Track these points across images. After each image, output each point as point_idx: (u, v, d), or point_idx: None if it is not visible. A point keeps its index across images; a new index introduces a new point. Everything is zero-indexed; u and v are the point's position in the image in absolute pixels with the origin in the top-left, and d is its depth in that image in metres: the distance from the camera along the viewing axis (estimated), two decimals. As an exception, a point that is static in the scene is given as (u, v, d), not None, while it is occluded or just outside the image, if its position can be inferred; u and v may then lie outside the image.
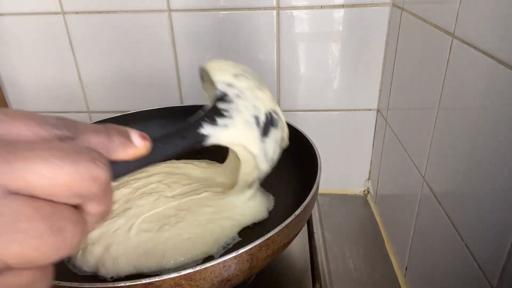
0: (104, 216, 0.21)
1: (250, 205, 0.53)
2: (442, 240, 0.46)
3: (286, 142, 0.46)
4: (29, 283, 0.19)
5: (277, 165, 0.60)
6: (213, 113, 0.37)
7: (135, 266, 0.45)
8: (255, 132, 0.41)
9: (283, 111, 0.76)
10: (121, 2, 0.70)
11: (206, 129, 0.35)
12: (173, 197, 0.53)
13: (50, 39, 0.74)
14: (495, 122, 0.35)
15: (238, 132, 0.39)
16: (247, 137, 0.40)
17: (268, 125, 0.42)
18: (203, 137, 0.35)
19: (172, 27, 0.71)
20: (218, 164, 0.65)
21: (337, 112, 0.76)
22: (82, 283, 0.33)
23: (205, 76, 0.46)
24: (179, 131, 0.32)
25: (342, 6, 0.67)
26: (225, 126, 0.38)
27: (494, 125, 0.35)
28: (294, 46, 0.71)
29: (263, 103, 0.42)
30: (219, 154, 0.67)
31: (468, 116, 0.40)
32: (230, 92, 0.40)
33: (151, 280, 0.33)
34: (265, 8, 0.68)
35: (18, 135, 0.19)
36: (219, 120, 0.37)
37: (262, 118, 0.41)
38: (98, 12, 0.71)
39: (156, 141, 0.27)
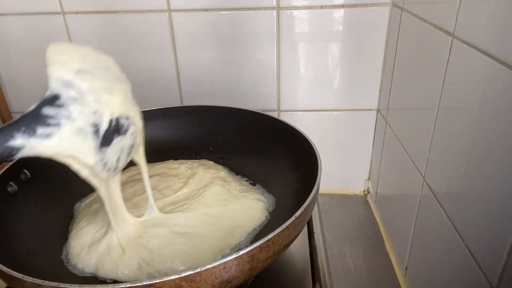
0: None
1: (249, 213, 0.53)
2: (442, 240, 0.46)
3: (139, 146, 0.41)
4: None
5: (277, 165, 0.61)
6: (34, 120, 0.31)
7: (132, 276, 0.44)
8: (90, 142, 0.35)
9: (283, 111, 0.77)
10: (121, 2, 0.70)
11: (18, 140, 0.30)
12: (171, 204, 0.53)
13: (50, 39, 0.74)
14: (495, 122, 0.35)
15: (64, 143, 0.33)
16: (77, 148, 0.34)
17: (111, 133, 0.36)
18: (13, 150, 0.29)
19: (172, 27, 0.71)
20: (213, 164, 0.65)
21: (337, 112, 0.76)
22: (82, 285, 0.33)
23: None
24: None
25: (342, 6, 0.67)
26: (47, 136, 0.32)
27: (494, 125, 0.35)
28: (294, 46, 0.71)
29: (109, 108, 0.36)
30: (219, 154, 0.67)
31: (468, 116, 0.40)
32: (65, 94, 0.33)
33: (151, 282, 0.33)
34: (265, 8, 0.68)
35: None
36: (40, 129, 0.31)
37: (104, 126, 0.35)
38: (98, 12, 0.71)
39: None
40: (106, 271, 0.44)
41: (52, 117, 0.32)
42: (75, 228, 0.51)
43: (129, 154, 0.40)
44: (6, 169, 0.51)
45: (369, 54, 0.70)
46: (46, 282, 0.34)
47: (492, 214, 0.35)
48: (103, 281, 0.44)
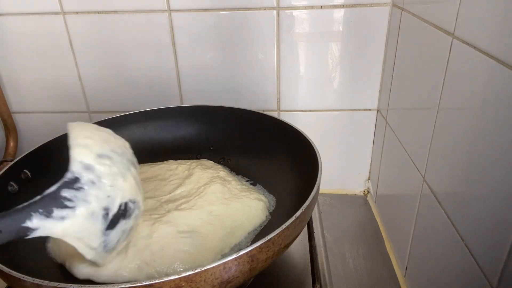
0: None
1: (250, 213, 0.53)
2: (442, 240, 0.46)
3: (136, 227, 0.41)
4: None
5: (277, 165, 0.61)
6: (52, 202, 0.31)
7: (132, 276, 0.44)
8: (98, 225, 0.35)
9: (283, 111, 0.77)
10: (121, 2, 0.70)
11: (34, 223, 0.30)
12: (173, 207, 0.53)
13: (50, 39, 0.74)
14: (495, 122, 0.35)
15: (76, 226, 0.33)
16: (87, 231, 0.34)
17: (118, 217, 0.37)
18: (28, 230, 0.29)
19: (172, 27, 0.71)
20: (213, 164, 0.65)
21: (337, 112, 0.76)
22: (82, 285, 0.33)
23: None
24: None
25: (342, 6, 0.67)
26: (62, 218, 0.32)
27: (494, 125, 0.35)
28: (294, 46, 0.71)
29: (121, 193, 0.36)
30: (219, 154, 0.67)
31: (468, 116, 0.40)
32: (85, 178, 0.33)
33: (151, 282, 0.33)
34: (265, 8, 0.68)
35: None
36: (56, 212, 0.31)
37: (114, 210, 0.36)
38: (98, 12, 0.71)
39: None
40: (104, 274, 0.44)
41: (69, 199, 0.32)
42: None
43: (127, 236, 0.40)
44: (7, 169, 0.51)
45: (369, 54, 0.70)
46: (46, 282, 0.34)
47: (492, 214, 0.35)
48: (103, 282, 0.44)
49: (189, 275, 0.34)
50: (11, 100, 0.81)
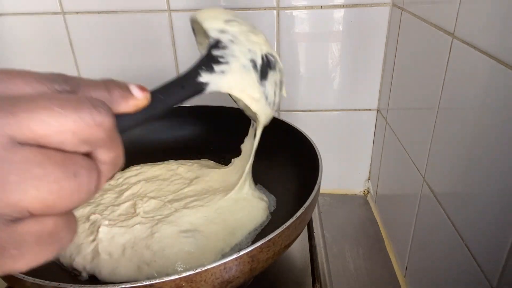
0: (116, 163, 0.21)
1: (251, 213, 0.53)
2: (442, 240, 0.46)
3: (284, 86, 0.46)
4: (53, 231, 0.19)
5: (278, 165, 0.61)
6: (209, 61, 0.37)
7: (131, 276, 0.44)
8: (254, 76, 0.40)
9: (283, 111, 0.77)
10: (121, 2, 0.70)
11: (204, 77, 0.35)
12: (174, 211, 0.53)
13: (50, 39, 0.74)
14: (495, 122, 0.35)
15: (236, 77, 0.38)
16: (246, 82, 0.40)
17: (265, 67, 0.41)
18: (203, 85, 0.34)
19: (172, 27, 0.71)
20: (213, 163, 0.65)
21: (337, 112, 0.76)
22: (82, 285, 0.33)
23: (196, 29, 0.45)
24: (177, 81, 0.32)
25: (342, 6, 0.67)
26: (223, 72, 0.37)
27: (494, 125, 0.35)
28: (294, 46, 0.71)
29: (258, 46, 0.41)
30: (219, 154, 0.67)
31: (468, 116, 0.40)
32: (224, 38, 0.39)
33: (151, 282, 0.33)
34: (265, 8, 0.68)
35: (18, 91, 0.19)
36: (216, 67, 0.36)
37: (259, 61, 0.41)
38: (98, 12, 0.71)
39: (156, 93, 0.28)
40: (103, 274, 0.44)
41: (221, 56, 0.37)
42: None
43: (280, 89, 0.45)
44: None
45: (369, 54, 0.70)
46: (46, 282, 0.34)
47: (492, 214, 0.35)
48: (104, 282, 0.44)
49: (189, 275, 0.34)
50: (11, 100, 0.81)
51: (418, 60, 0.55)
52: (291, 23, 0.69)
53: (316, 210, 0.72)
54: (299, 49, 0.71)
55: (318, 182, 0.47)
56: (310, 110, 0.76)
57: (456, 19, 0.42)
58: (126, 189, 0.57)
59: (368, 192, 0.83)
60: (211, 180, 0.58)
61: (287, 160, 0.60)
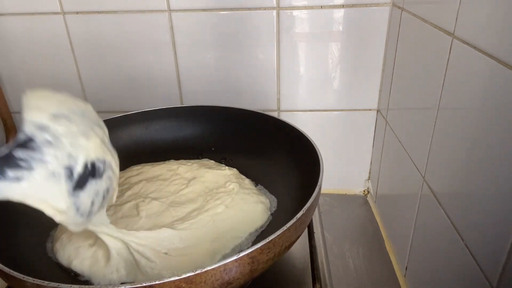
0: None
1: (252, 213, 0.52)
2: (442, 240, 0.46)
3: (115, 191, 0.40)
4: None
5: (278, 165, 0.61)
6: (4, 163, 0.31)
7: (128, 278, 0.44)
8: (63, 186, 0.34)
9: (283, 111, 0.77)
10: (121, 2, 0.70)
11: None
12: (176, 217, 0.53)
13: (50, 39, 0.74)
14: (495, 122, 0.35)
15: (36, 187, 0.33)
16: (50, 192, 0.34)
17: (86, 176, 0.36)
18: None
19: (172, 27, 0.71)
20: (214, 163, 0.65)
21: (337, 112, 0.76)
22: (82, 285, 0.33)
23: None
24: None
25: (342, 6, 0.67)
26: (18, 179, 0.32)
27: (494, 125, 0.35)
28: (294, 46, 0.71)
29: (85, 152, 0.36)
30: (220, 154, 0.67)
31: (468, 116, 0.40)
32: (39, 138, 0.33)
33: (151, 283, 0.33)
34: (265, 8, 0.68)
35: None
36: (11, 172, 0.31)
37: (79, 170, 0.35)
38: (98, 12, 0.71)
39: None
40: (99, 279, 0.44)
41: (24, 160, 0.32)
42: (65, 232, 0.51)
43: (104, 198, 0.39)
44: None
45: (369, 54, 0.70)
46: (46, 282, 0.34)
47: (492, 214, 0.35)
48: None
49: (189, 276, 0.34)
50: (11, 100, 0.81)
51: (418, 60, 0.55)
52: (291, 23, 0.69)
53: (316, 210, 0.72)
54: (299, 49, 0.71)
55: (319, 183, 0.47)
56: (310, 110, 0.76)
57: (456, 19, 0.42)
58: (127, 189, 0.57)
59: (368, 192, 0.83)
60: (206, 181, 0.58)
61: (288, 160, 0.60)
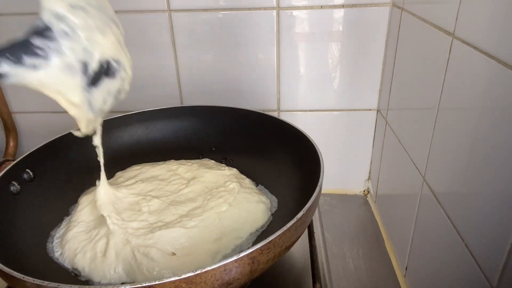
0: None
1: (253, 214, 0.52)
2: (442, 240, 0.46)
3: (126, 93, 0.40)
4: None
5: (279, 165, 0.61)
6: (21, 49, 0.31)
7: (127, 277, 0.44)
8: (78, 80, 0.34)
9: (283, 111, 0.77)
10: (121, 2, 0.70)
11: (4, 68, 0.30)
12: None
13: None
14: (495, 122, 0.35)
15: (52, 77, 0.32)
16: (66, 84, 0.33)
17: (100, 74, 0.36)
18: None
19: (172, 27, 0.71)
20: (215, 163, 0.65)
21: (337, 112, 0.76)
22: (82, 286, 0.33)
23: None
24: None
25: (342, 6, 0.67)
26: (34, 67, 0.31)
27: (494, 125, 0.35)
28: (294, 46, 0.71)
29: (101, 49, 0.35)
30: (220, 154, 0.67)
31: (468, 116, 0.40)
32: (56, 28, 0.32)
33: (151, 284, 0.33)
34: (265, 8, 0.68)
35: None
36: (28, 59, 0.31)
37: (93, 66, 0.35)
38: (98, 12, 0.71)
39: None
40: (98, 277, 0.44)
41: (40, 48, 0.31)
42: (69, 229, 0.51)
43: (115, 98, 0.39)
44: (9, 168, 0.51)
45: (369, 54, 0.70)
46: (46, 283, 0.34)
47: (492, 214, 0.35)
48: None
49: (189, 276, 0.34)
50: (11, 100, 0.81)
51: (418, 60, 0.55)
52: (291, 23, 0.69)
53: (316, 210, 0.72)
54: (299, 49, 0.71)
55: (319, 184, 0.47)
56: (310, 110, 0.76)
57: (456, 19, 0.42)
58: (128, 189, 0.57)
59: (368, 192, 0.83)
60: (206, 181, 0.58)
61: (288, 160, 0.60)
